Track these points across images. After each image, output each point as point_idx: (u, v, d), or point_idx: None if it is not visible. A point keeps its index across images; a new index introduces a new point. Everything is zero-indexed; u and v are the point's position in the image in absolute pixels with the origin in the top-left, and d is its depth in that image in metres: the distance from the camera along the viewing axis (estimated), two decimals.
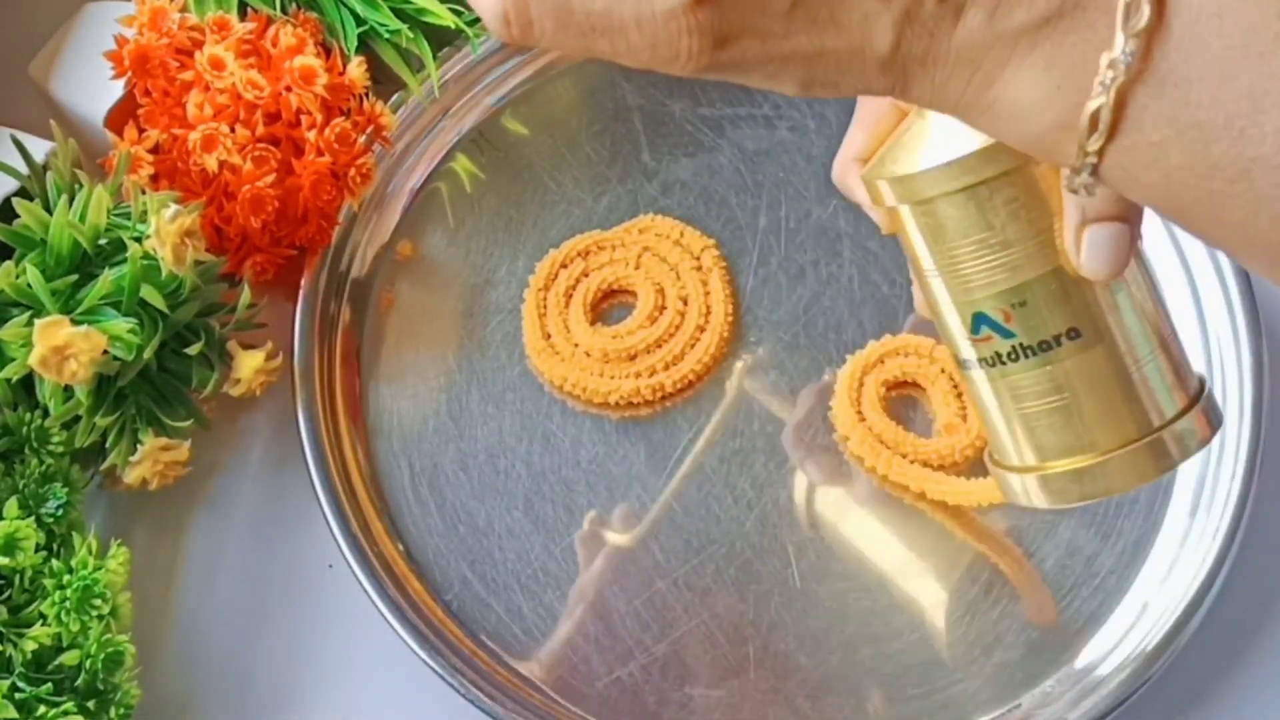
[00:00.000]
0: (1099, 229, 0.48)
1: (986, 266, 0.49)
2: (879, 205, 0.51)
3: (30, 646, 0.60)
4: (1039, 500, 0.53)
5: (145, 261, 0.65)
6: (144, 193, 0.67)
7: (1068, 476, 0.52)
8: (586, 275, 0.75)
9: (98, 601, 0.61)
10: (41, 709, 0.59)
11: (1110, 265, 0.48)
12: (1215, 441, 0.69)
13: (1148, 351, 0.51)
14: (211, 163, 0.68)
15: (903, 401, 0.72)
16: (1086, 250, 0.48)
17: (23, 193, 0.69)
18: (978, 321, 0.51)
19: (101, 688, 0.61)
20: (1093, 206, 0.47)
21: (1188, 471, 0.70)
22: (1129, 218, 0.48)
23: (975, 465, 0.70)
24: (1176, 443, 0.51)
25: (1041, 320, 0.50)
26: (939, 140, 0.48)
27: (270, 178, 0.69)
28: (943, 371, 0.72)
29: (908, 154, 0.49)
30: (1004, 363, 0.51)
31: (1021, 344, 0.50)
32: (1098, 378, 0.51)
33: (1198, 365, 0.72)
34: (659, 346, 0.73)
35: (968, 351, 0.51)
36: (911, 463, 0.70)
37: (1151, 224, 0.75)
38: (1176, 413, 0.51)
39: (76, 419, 0.65)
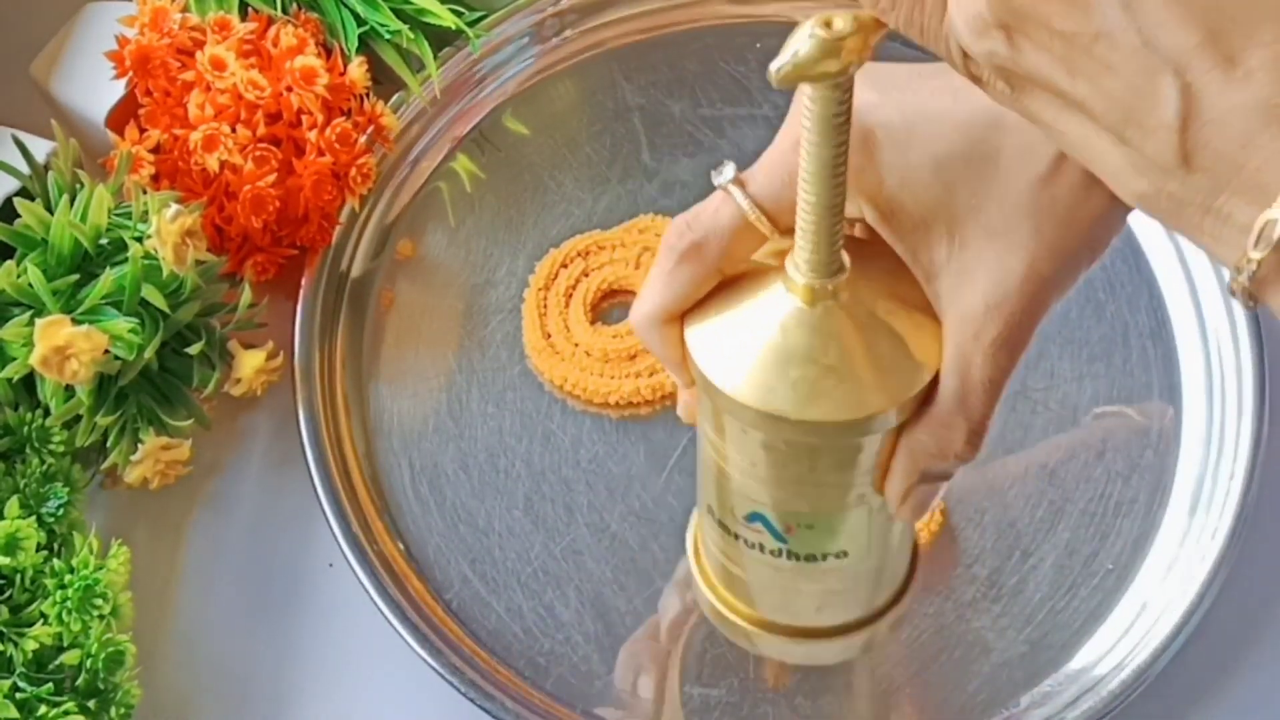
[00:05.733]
0: (929, 487, 0.47)
1: (793, 492, 0.48)
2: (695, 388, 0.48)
3: (31, 646, 0.60)
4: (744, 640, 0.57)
5: (146, 261, 0.65)
6: (145, 192, 0.67)
7: (782, 636, 0.55)
8: (586, 275, 0.75)
9: (98, 601, 0.61)
10: (42, 709, 0.59)
11: (924, 513, 0.49)
12: (1215, 440, 0.70)
13: (895, 552, 0.53)
14: (212, 163, 0.68)
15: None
16: (911, 504, 0.48)
17: (24, 192, 0.69)
18: (754, 517, 0.49)
19: (102, 687, 0.61)
20: (936, 468, 0.47)
21: (1187, 471, 0.70)
22: (953, 473, 0.48)
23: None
24: (888, 626, 0.56)
25: (821, 541, 0.50)
26: (781, 363, 0.44)
27: (271, 178, 0.69)
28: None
29: (743, 371, 0.45)
30: (763, 551, 0.51)
31: (790, 550, 0.50)
32: (848, 582, 0.53)
33: (1198, 365, 0.72)
34: None
35: (730, 525, 0.51)
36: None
37: (1151, 221, 0.76)
38: (894, 596, 0.56)
39: (77, 418, 0.66)
